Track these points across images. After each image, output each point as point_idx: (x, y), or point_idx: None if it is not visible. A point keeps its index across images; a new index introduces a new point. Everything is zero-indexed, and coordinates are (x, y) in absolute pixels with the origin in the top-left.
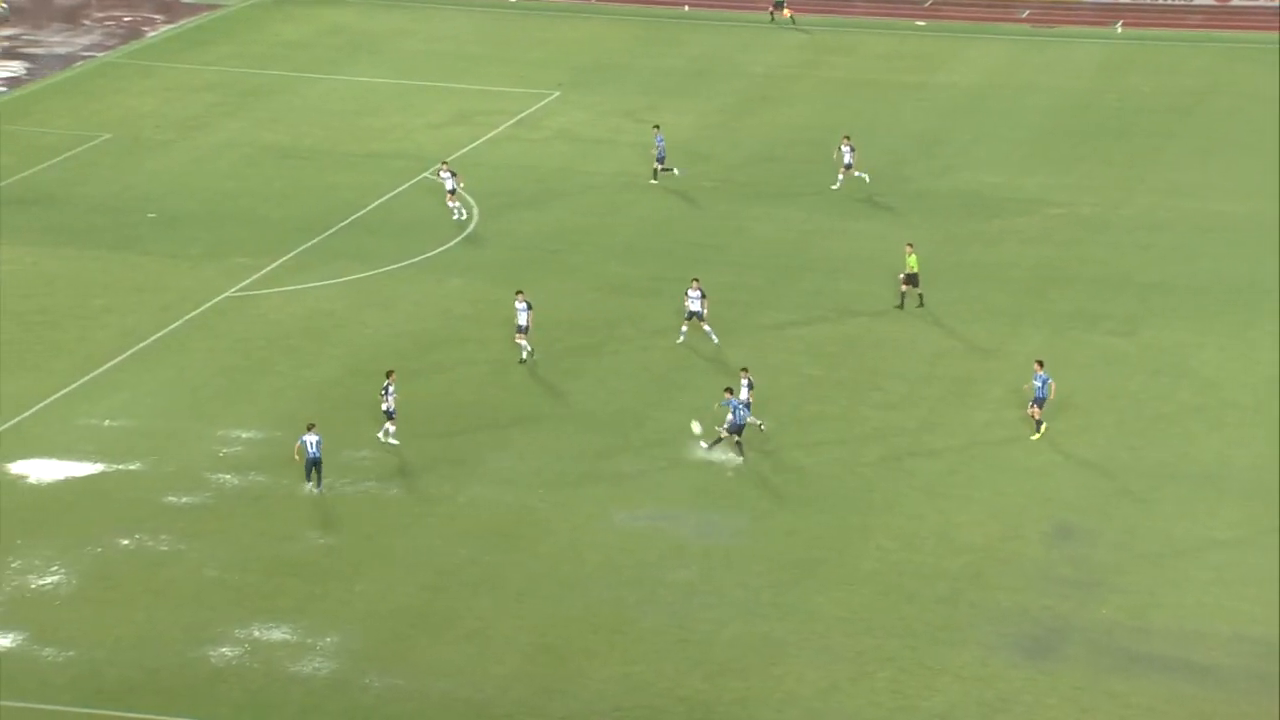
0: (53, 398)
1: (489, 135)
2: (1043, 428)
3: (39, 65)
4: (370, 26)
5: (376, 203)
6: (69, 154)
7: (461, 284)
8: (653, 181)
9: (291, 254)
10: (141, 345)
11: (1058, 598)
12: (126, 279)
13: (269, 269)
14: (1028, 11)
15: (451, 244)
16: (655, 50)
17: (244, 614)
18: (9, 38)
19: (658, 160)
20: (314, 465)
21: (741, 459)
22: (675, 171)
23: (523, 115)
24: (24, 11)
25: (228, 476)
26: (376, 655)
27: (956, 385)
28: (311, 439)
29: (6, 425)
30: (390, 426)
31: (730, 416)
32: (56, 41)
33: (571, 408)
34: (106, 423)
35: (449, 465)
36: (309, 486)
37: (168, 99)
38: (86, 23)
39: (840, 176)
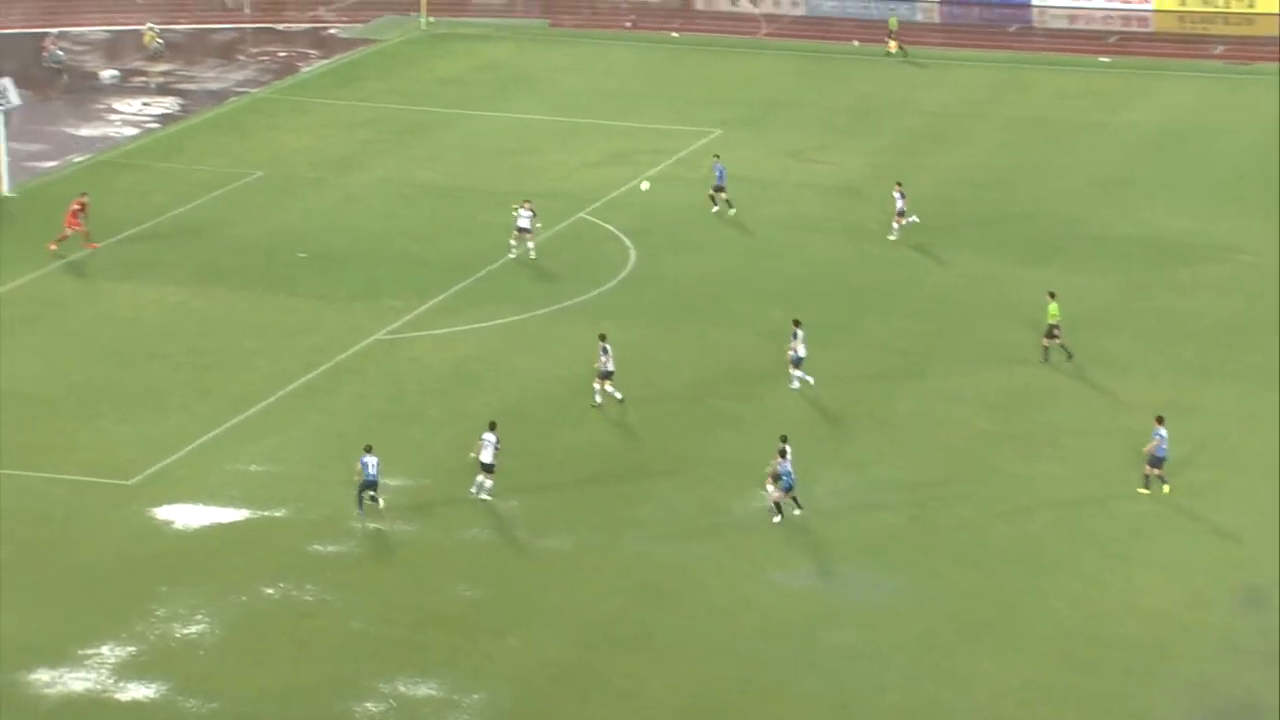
0: (199, 441)
1: (649, 174)
2: (1165, 487)
3: (192, 101)
4: (527, 62)
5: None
6: (220, 192)
7: (617, 328)
8: (714, 209)
9: (443, 296)
10: (290, 388)
11: (1246, 670)
12: (276, 320)
13: (420, 311)
14: (1221, 48)
15: (607, 286)
16: (823, 87)
17: (389, 668)
18: (163, 73)
19: (716, 188)
20: (370, 487)
21: (799, 510)
22: (730, 209)
23: (683, 154)
24: (178, 47)
25: (376, 525)
26: (524, 713)
27: (1137, 441)
28: (370, 460)
29: (153, 469)
30: (486, 481)
31: (780, 468)
32: (210, 77)
33: (727, 458)
34: (253, 468)
35: (600, 516)
36: (361, 511)
37: (321, 136)
38: (240, 58)
39: (895, 225)
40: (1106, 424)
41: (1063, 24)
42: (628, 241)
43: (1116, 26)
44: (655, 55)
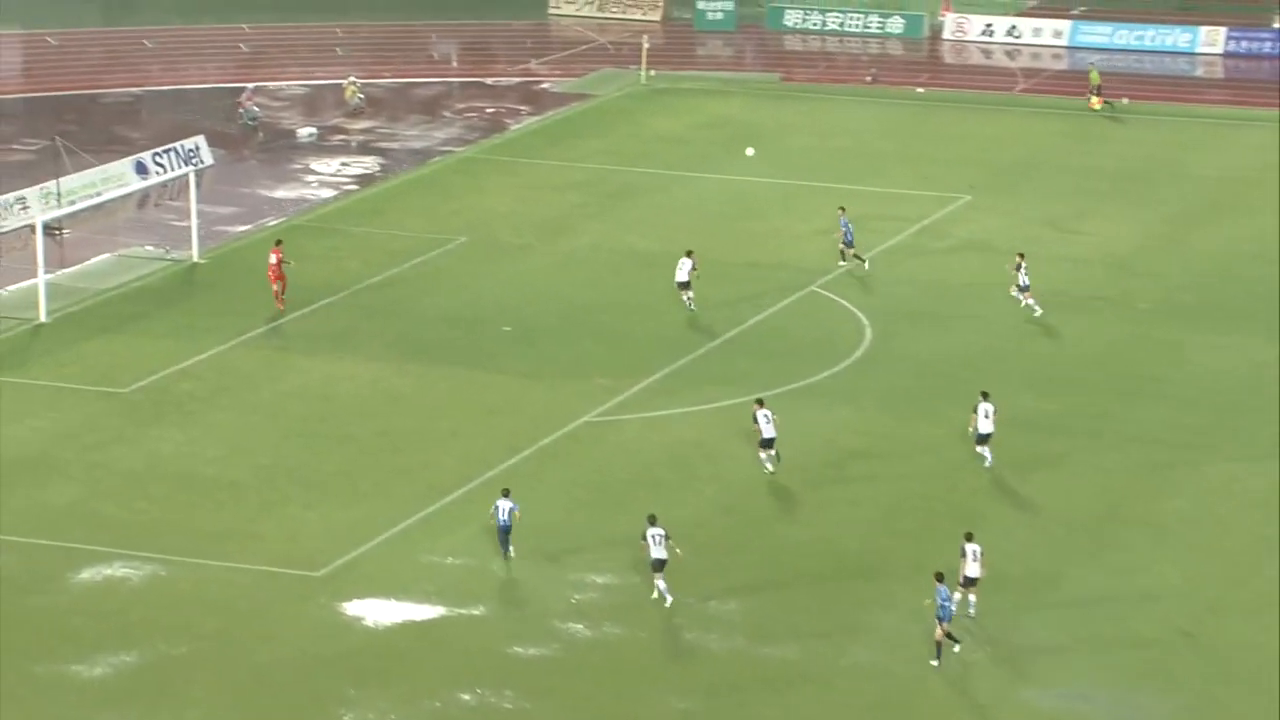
0: (391, 530)
1: (887, 244)
2: None
3: (393, 161)
4: (755, 119)
5: (754, 319)
6: (421, 259)
7: (850, 413)
8: (841, 264)
9: (657, 375)
10: (489, 474)
11: None
12: (476, 399)
13: (631, 391)
14: None
15: (840, 367)
16: (1084, 148)
17: None
18: (363, 130)
19: (845, 243)
20: (505, 532)
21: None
22: (863, 263)
23: (926, 222)
24: (380, 102)
25: (579, 626)
26: None
27: None
28: (504, 505)
29: (342, 560)
30: (660, 582)
31: (939, 597)
32: (413, 135)
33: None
34: (449, 560)
35: (828, 621)
36: (507, 554)
37: (528, 198)
38: (446, 114)
39: (1024, 300)
40: None
41: None
42: (863, 317)
43: None
44: (897, 112)
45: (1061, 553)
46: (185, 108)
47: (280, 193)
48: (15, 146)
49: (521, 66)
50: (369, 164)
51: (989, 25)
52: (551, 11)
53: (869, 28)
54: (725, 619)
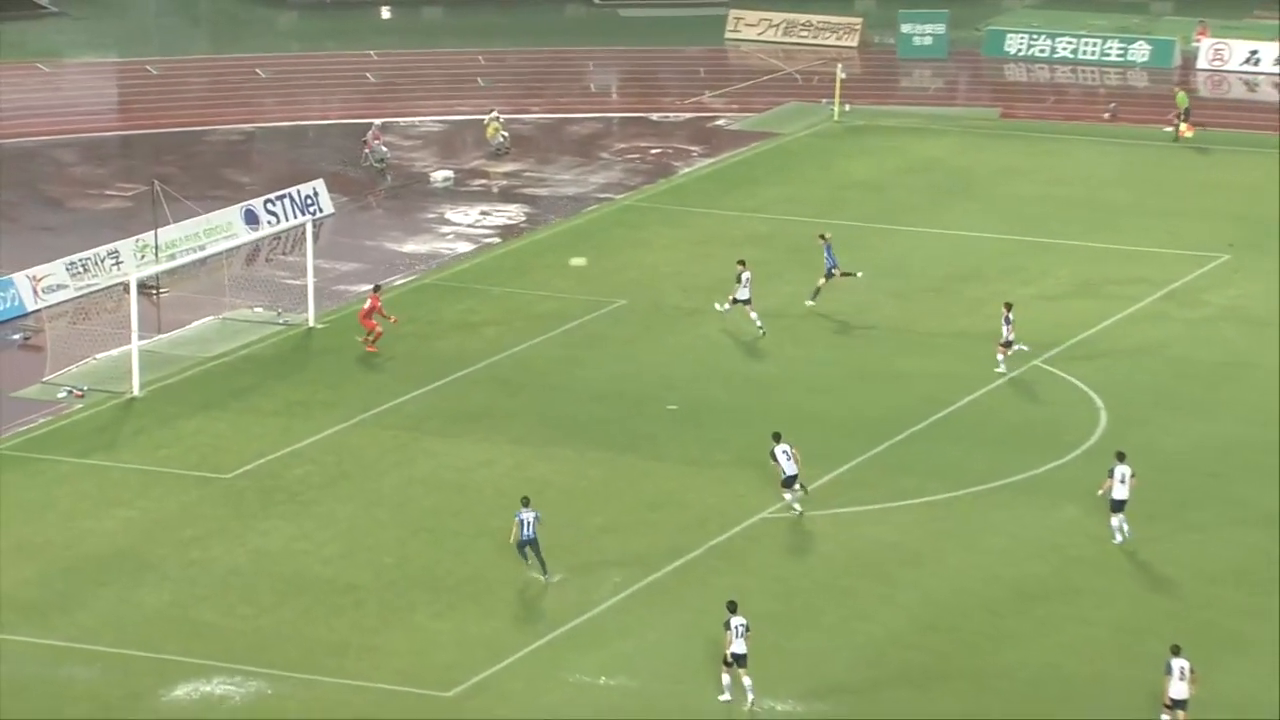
0: (534, 644)
1: (1126, 312)
2: None
3: (541, 210)
4: (969, 162)
5: (965, 399)
6: (572, 324)
7: (1079, 514)
8: (809, 303)
9: (848, 465)
10: (650, 578)
11: None
12: (634, 490)
13: (819, 483)
14: None
15: (1067, 458)
16: None
17: None
18: (508, 175)
19: (827, 274)
20: (529, 545)
21: None
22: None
23: (1175, 285)
24: (527, 141)
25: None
26: None
27: None
28: (528, 516)
29: (476, 678)
30: (745, 678)
31: None
32: (565, 180)
33: (1224, 696)
34: (601, 681)
35: None
36: (535, 574)
37: (699, 255)
38: (603, 155)
39: (1001, 356)
40: None
41: None
42: (1096, 399)
43: None
44: (1141, 156)
45: None
46: (302, 147)
47: (410, 246)
48: (108, 192)
49: (693, 100)
50: (513, 213)
51: (1254, 53)
52: (729, 36)
53: (1108, 55)
54: None
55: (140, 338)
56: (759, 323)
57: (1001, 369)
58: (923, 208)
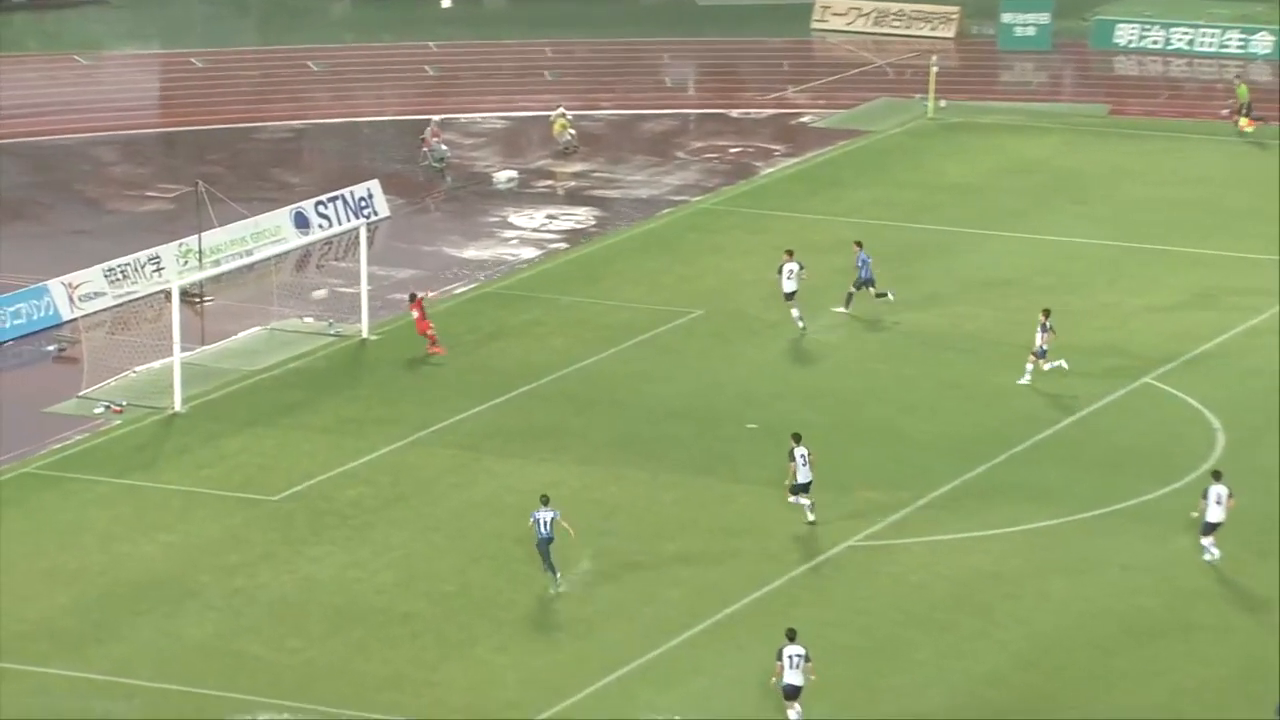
0: (604, 680)
1: (1246, 324)
2: None
3: (612, 213)
4: (1075, 163)
5: (1070, 418)
6: (645, 336)
7: (1194, 543)
8: (840, 309)
9: (942, 489)
10: (727, 611)
11: None
12: (711, 516)
13: (909, 509)
14: None
15: (1181, 483)
16: None
17: None
18: (576, 175)
19: (859, 283)
20: (545, 546)
21: None
22: (890, 296)
23: None
24: (597, 139)
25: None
26: None
27: None
28: (544, 516)
29: (544, 714)
30: (791, 714)
31: None
32: (637, 181)
33: None
34: (676, 719)
35: None
36: (557, 579)
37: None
38: (679, 155)
39: (1029, 367)
40: None
41: None
42: (1213, 418)
43: None
44: (1267, 157)
45: None
46: (357, 145)
47: (471, 252)
48: (149, 193)
49: (776, 95)
50: (581, 217)
51: None
52: (816, 26)
53: (1226, 47)
54: None
55: (183, 349)
56: (801, 322)
57: (1026, 380)
58: (1024, 212)
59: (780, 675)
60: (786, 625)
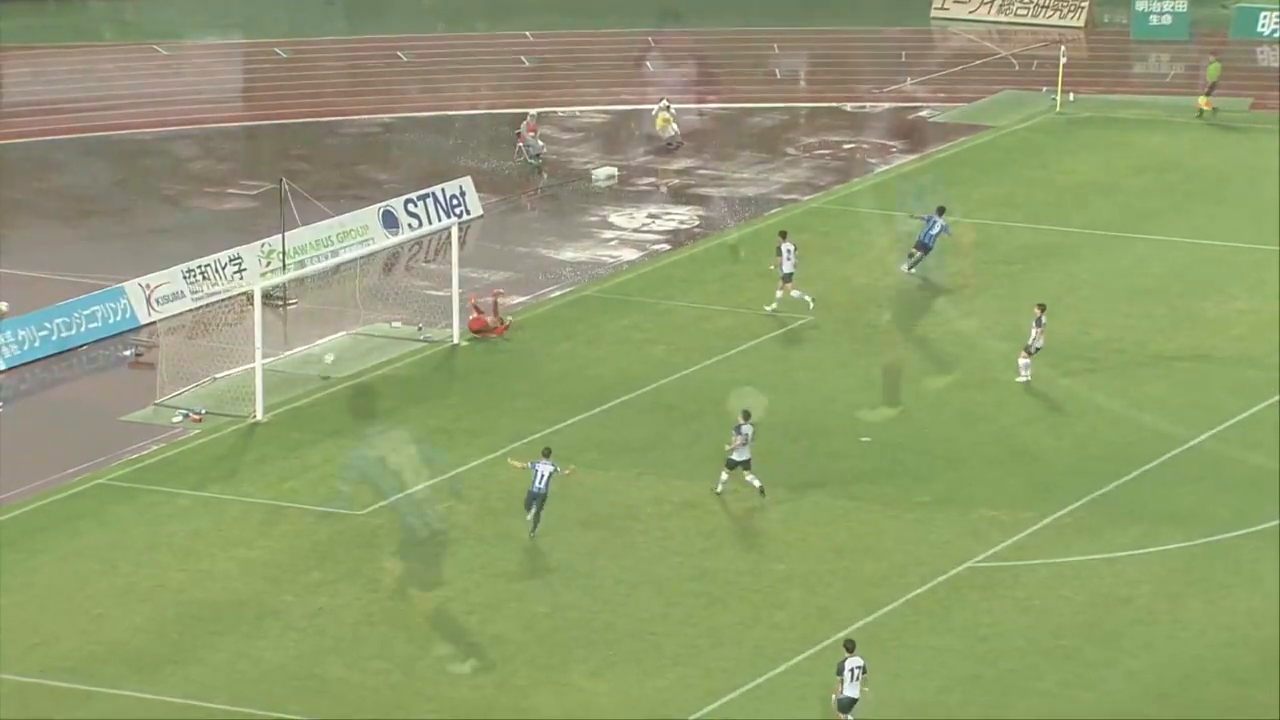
0: (707, 708)
1: None
2: None
3: (715, 212)
4: (1217, 160)
5: (1206, 434)
6: (750, 344)
7: None
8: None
9: (1068, 508)
10: (837, 636)
11: None
12: (822, 534)
13: (1033, 529)
14: None
15: None
16: None
17: None
18: (680, 172)
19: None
20: (536, 501)
21: None
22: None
23: None
24: (702, 134)
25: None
26: None
27: None
28: (544, 469)
29: None
30: None
31: None
32: (745, 179)
33: None
34: None
35: None
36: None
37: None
38: (789, 151)
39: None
40: None
41: None
42: None
43: None
44: None
45: None
46: (448, 140)
47: (568, 253)
48: (231, 190)
49: (893, 88)
50: (685, 216)
51: None
52: (936, 14)
53: None
54: None
55: (265, 355)
56: (810, 301)
57: (1023, 377)
58: (1159, 212)
59: (840, 689)
60: (902, 653)
